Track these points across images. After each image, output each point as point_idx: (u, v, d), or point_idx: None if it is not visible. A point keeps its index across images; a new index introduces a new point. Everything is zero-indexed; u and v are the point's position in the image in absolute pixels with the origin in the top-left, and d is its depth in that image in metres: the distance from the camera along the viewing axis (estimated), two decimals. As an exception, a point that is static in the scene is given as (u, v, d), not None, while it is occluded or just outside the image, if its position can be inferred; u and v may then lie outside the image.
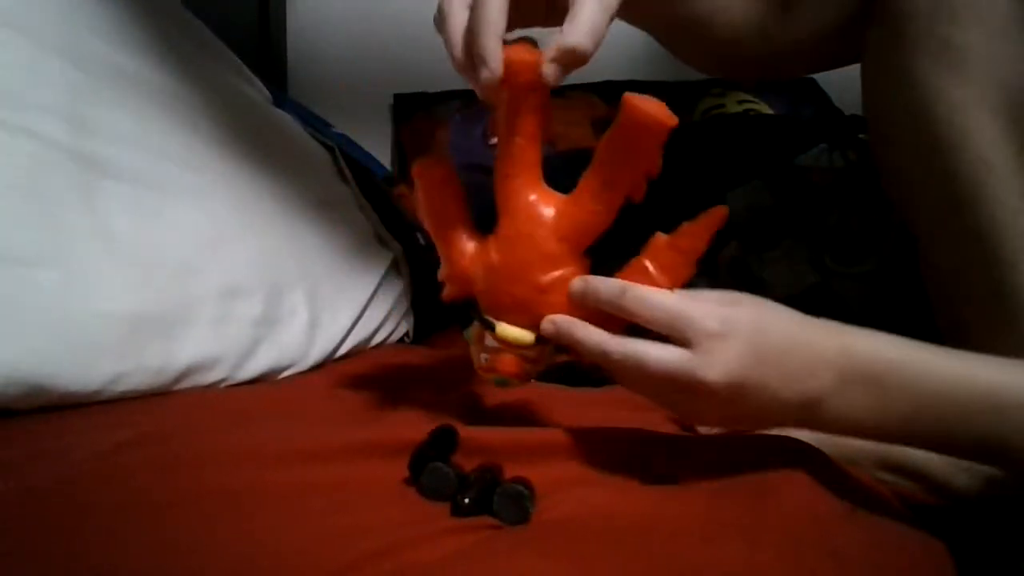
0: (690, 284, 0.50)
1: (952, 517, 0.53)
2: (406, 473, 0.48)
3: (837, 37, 0.67)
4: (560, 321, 0.50)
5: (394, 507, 0.45)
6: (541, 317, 0.51)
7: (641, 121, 0.47)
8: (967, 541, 0.49)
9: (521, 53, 0.48)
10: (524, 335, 0.52)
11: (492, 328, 0.52)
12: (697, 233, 0.50)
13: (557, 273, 0.51)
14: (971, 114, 0.54)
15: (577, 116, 1.45)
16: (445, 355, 0.81)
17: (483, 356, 0.54)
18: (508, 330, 0.52)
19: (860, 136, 0.92)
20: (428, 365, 0.77)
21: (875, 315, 0.78)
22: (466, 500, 0.45)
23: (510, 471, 0.48)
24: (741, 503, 0.47)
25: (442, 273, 0.56)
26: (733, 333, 0.46)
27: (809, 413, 0.47)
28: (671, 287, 0.49)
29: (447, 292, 0.56)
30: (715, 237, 0.50)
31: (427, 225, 0.56)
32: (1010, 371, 0.47)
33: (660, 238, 0.51)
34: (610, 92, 1.50)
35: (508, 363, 0.53)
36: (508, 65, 0.47)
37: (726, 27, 0.70)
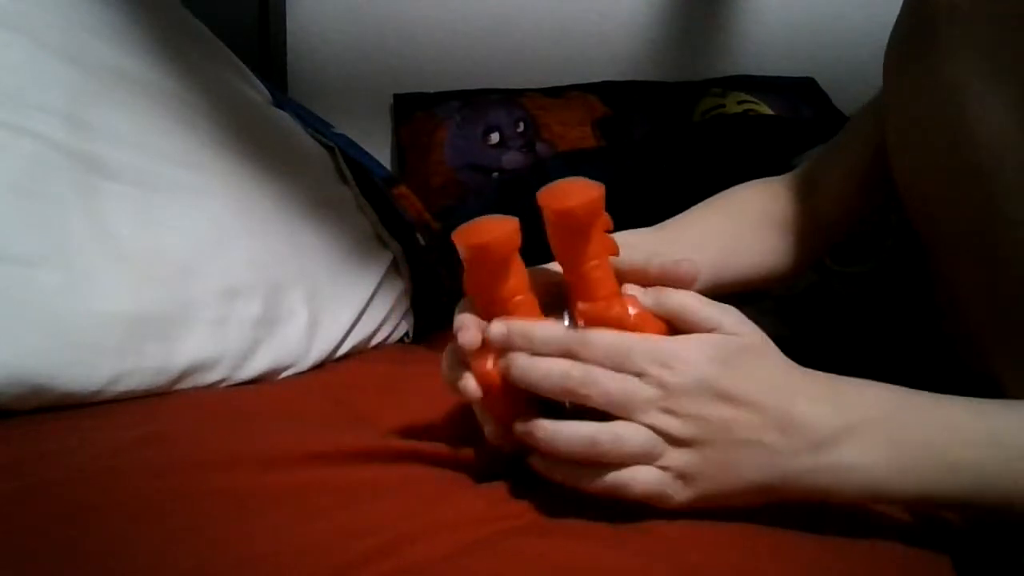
0: None
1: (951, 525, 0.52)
2: (405, 472, 0.48)
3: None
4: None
5: (394, 506, 0.45)
6: None
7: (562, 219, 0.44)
8: (967, 546, 0.49)
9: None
10: None
11: None
12: None
13: None
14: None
15: (577, 116, 1.45)
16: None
17: None
18: None
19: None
20: (428, 365, 0.77)
21: (875, 315, 0.79)
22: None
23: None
24: (738, 523, 0.46)
25: None
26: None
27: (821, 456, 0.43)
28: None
29: None
30: None
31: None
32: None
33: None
34: (610, 92, 1.50)
35: None
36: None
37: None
